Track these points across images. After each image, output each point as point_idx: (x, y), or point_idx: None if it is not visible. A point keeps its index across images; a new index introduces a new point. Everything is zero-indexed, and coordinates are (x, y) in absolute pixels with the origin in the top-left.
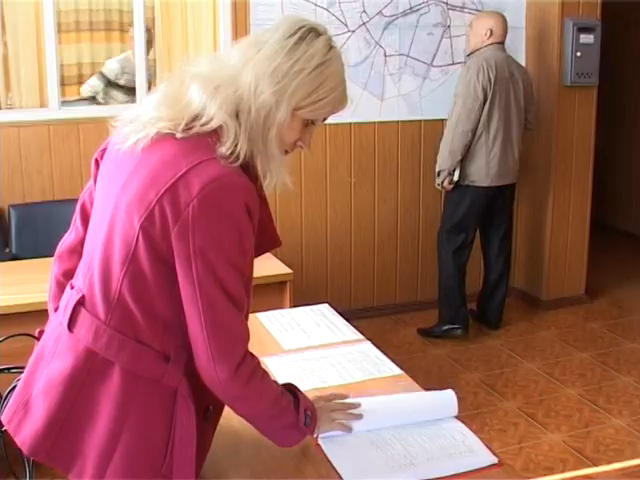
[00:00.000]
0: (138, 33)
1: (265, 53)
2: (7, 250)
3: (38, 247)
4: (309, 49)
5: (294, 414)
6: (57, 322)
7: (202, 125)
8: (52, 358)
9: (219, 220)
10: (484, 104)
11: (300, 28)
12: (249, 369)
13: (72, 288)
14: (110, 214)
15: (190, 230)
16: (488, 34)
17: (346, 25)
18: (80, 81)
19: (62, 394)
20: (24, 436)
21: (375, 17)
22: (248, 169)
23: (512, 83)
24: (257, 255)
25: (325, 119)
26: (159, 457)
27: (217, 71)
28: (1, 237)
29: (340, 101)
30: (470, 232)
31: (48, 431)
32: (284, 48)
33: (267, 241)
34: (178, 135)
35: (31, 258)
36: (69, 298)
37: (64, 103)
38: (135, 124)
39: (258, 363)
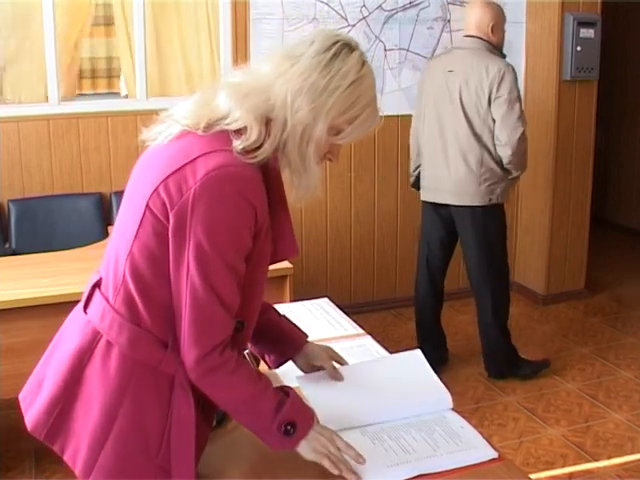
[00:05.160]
0: (138, 27)
1: (300, 67)
2: (7, 245)
3: (38, 242)
4: (344, 66)
5: (269, 419)
6: (78, 306)
7: (226, 124)
8: (68, 338)
9: (217, 206)
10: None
11: (335, 43)
12: (215, 362)
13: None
14: (131, 200)
15: (188, 212)
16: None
17: (346, 19)
18: (80, 75)
19: (67, 373)
20: (31, 413)
21: (375, 11)
22: (268, 175)
23: (448, 83)
24: (272, 262)
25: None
26: (154, 445)
27: (248, 81)
28: (0, 232)
29: (372, 117)
30: (428, 255)
31: (50, 409)
32: (319, 63)
33: (283, 249)
34: (200, 132)
35: (31, 253)
36: (89, 281)
37: (63, 98)
38: (163, 124)
39: (230, 359)
